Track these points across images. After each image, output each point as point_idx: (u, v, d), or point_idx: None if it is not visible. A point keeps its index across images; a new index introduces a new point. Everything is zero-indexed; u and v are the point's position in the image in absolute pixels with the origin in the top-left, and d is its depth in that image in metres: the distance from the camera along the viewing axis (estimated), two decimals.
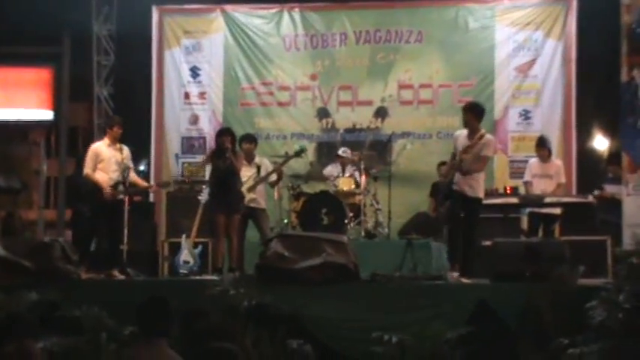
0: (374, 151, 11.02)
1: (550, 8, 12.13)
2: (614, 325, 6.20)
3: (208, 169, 9.94)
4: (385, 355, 6.56)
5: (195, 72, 12.80)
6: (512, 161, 12.00)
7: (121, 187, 9.04)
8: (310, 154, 11.88)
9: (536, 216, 9.68)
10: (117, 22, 13.08)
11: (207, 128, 12.68)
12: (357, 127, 12.42)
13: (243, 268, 8.89)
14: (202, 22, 12.87)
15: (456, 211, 8.38)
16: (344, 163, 10.95)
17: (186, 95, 12.78)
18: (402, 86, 12.38)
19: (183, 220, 10.09)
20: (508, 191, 10.17)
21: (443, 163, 10.66)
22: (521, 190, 10.15)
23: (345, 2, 12.67)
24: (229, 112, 12.68)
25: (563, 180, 9.91)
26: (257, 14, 12.75)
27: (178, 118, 12.78)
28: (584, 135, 12.11)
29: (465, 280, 7.77)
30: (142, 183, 9.65)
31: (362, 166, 10.53)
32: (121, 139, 9.27)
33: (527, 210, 9.87)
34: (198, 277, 8.73)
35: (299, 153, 10.23)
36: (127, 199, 9.21)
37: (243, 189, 9.17)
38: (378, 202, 10.54)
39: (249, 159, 9.61)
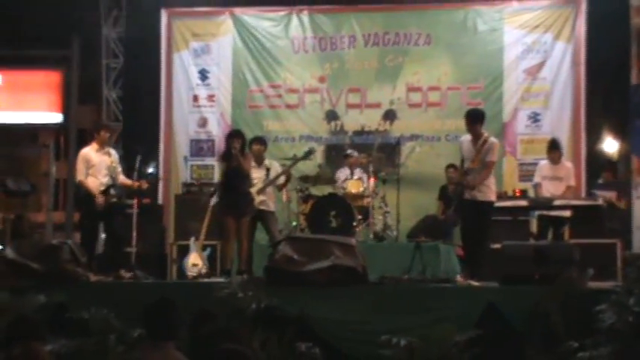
0: (382, 153, 11.01)
1: (559, 10, 12.09)
2: (624, 329, 6.17)
3: (217, 171, 9.95)
4: (393, 358, 6.55)
5: (203, 75, 12.80)
6: (521, 164, 11.95)
7: (112, 191, 9.11)
8: (319, 157, 11.90)
9: (545, 219, 9.64)
10: (126, 25, 13.09)
11: (216, 131, 12.68)
12: (366, 129, 12.39)
13: (252, 270, 8.88)
14: (211, 24, 12.87)
15: (469, 223, 8.39)
16: (352, 165, 10.93)
17: (195, 98, 12.78)
18: (410, 89, 12.35)
19: (192, 223, 10.09)
20: (517, 194, 10.14)
21: (451, 166, 10.67)
22: (531, 193, 10.12)
23: (353, 5, 12.64)
24: (238, 115, 12.67)
25: (573, 182, 9.86)
26: (266, 17, 12.74)
27: (187, 121, 12.78)
28: (593, 137, 12.04)
29: (473, 283, 7.74)
30: (130, 182, 9.56)
31: (370, 169, 10.53)
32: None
33: (537, 213, 9.83)
34: (206, 280, 8.73)
35: (307, 155, 10.22)
36: (135, 201, 9.23)
37: (252, 191, 9.15)
38: (386, 205, 10.52)
39: (259, 161, 9.59)
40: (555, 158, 9.75)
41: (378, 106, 12.41)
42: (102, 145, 9.28)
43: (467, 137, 8.56)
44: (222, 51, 12.78)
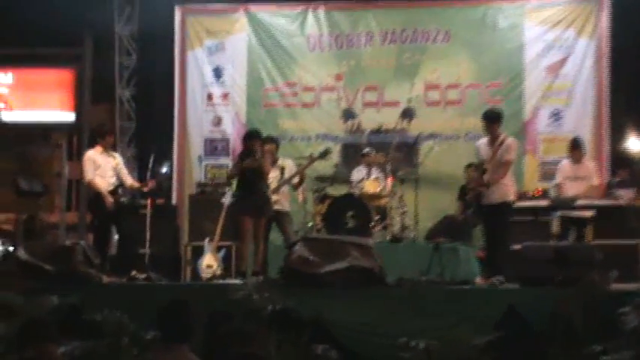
0: (400, 152, 11.00)
1: (582, 5, 12.04)
2: None
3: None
4: None
5: (218, 73, 12.84)
6: (542, 163, 11.92)
7: (120, 191, 9.19)
8: (335, 156, 11.91)
9: (567, 219, 9.61)
10: (139, 23, 13.16)
11: (231, 130, 12.72)
12: (383, 128, 12.40)
13: (267, 272, 8.91)
14: (225, 22, 12.90)
15: (489, 225, 8.41)
16: (370, 165, 10.95)
17: (209, 96, 12.83)
18: (428, 87, 12.35)
19: (207, 223, 10.12)
20: (538, 194, 10.11)
21: (471, 165, 10.64)
22: (552, 193, 10.09)
23: (370, 2, 12.66)
24: (253, 114, 12.71)
25: (595, 182, 9.81)
26: (281, 13, 12.78)
27: (201, 120, 12.83)
28: (616, 135, 11.99)
29: (493, 285, 7.73)
30: (137, 184, 9.70)
31: (388, 169, 10.53)
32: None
33: (558, 213, 9.80)
34: (221, 282, 8.76)
35: (323, 155, 10.24)
36: (149, 202, 9.29)
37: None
38: (404, 205, 10.52)
39: (272, 161, 9.61)
40: (577, 157, 9.71)
41: (395, 104, 12.41)
42: (106, 149, 9.42)
43: (483, 141, 8.64)
44: (237, 49, 12.82)
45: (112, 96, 13.24)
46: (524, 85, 12.10)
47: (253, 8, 12.81)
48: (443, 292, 7.45)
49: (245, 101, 12.78)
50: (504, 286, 7.62)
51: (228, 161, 12.51)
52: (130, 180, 9.57)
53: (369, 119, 12.47)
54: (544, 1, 12.19)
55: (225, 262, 9.71)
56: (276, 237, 9.77)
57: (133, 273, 8.52)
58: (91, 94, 12.38)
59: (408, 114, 12.37)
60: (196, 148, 12.78)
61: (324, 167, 11.21)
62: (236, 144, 12.41)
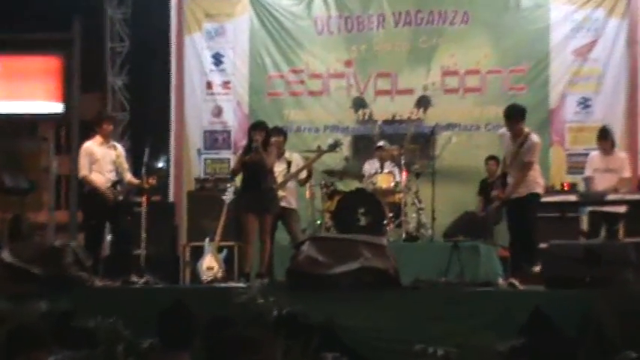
0: (416, 144, 11.01)
1: None
2: None
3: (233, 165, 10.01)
4: None
5: (218, 59, 12.87)
6: (569, 155, 11.90)
7: (119, 187, 9.20)
8: (345, 149, 11.90)
9: (597, 215, 9.61)
10: (132, 5, 13.19)
11: (232, 121, 12.77)
12: (397, 118, 12.41)
13: (273, 274, 8.93)
14: (226, 4, 12.93)
15: (513, 221, 8.45)
16: (382, 158, 10.98)
17: (209, 85, 12.87)
18: (446, 73, 12.34)
19: (207, 222, 10.16)
20: (566, 188, 10.11)
21: (492, 158, 10.68)
22: (580, 187, 10.08)
23: None
24: (256, 103, 12.74)
25: (627, 174, 9.79)
26: None
27: (200, 110, 12.87)
28: None
29: (517, 286, 7.74)
30: (137, 181, 9.61)
31: (402, 162, 10.54)
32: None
33: (588, 209, 9.80)
34: (223, 284, 8.78)
35: (333, 147, 10.25)
36: (144, 199, 9.30)
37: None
38: (420, 201, 10.55)
39: (279, 154, 9.63)
40: (607, 148, 9.70)
41: (410, 92, 12.41)
42: (106, 139, 9.38)
43: (505, 130, 8.74)
44: (239, 33, 12.85)
45: (104, 85, 13.28)
46: (549, 70, 12.07)
47: None
48: (463, 295, 7.45)
49: (247, 90, 12.82)
50: (530, 288, 7.63)
51: (229, 155, 12.57)
52: (129, 175, 9.54)
53: (382, 108, 12.48)
54: None
55: (228, 263, 9.76)
56: (282, 236, 9.80)
57: (133, 277, 8.53)
58: (81, 83, 12.38)
59: (423, 102, 12.37)
60: (195, 140, 12.82)
61: (334, 161, 11.24)
62: (238, 136, 12.47)
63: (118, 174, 9.32)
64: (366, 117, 12.54)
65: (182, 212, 11.50)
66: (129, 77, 13.29)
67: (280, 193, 9.44)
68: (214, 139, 12.80)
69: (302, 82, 12.71)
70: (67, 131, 13.32)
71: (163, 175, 10.59)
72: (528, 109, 8.93)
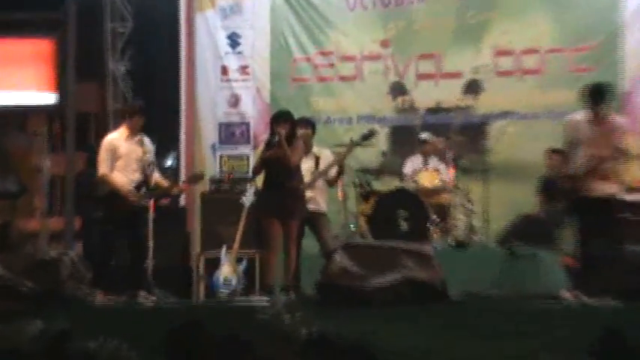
0: (464, 136, 10.99)
1: None
2: None
3: (253, 162, 10.04)
4: None
5: (234, 40, 12.91)
6: None
7: (144, 191, 9.16)
8: (382, 142, 11.95)
9: None
10: None
11: (251, 111, 12.83)
12: (442, 106, 12.39)
13: (300, 287, 8.96)
14: None
15: (584, 223, 8.40)
16: (426, 152, 10.99)
17: (224, 70, 12.93)
18: (499, 53, 12.30)
19: (223, 228, 10.20)
20: None
21: (554, 151, 10.62)
22: None
23: None
24: (279, 91, 12.79)
25: None
26: None
27: (214, 100, 12.94)
28: None
29: (586, 300, 7.72)
30: (166, 184, 9.69)
31: (449, 157, 10.53)
32: (143, 129, 9.37)
33: None
34: (243, 300, 8.81)
35: (367, 138, 10.15)
36: (151, 203, 9.34)
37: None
38: (470, 202, 10.56)
39: (306, 149, 9.63)
40: None
41: (457, 75, 12.39)
42: (133, 133, 9.33)
43: (580, 115, 8.57)
44: (258, 10, 12.91)
45: (103, 72, 13.33)
46: (621, 48, 12.00)
47: None
48: (521, 310, 7.44)
49: (268, 75, 12.86)
50: (601, 302, 7.60)
51: (248, 150, 12.63)
52: (156, 176, 9.47)
53: (425, 95, 12.47)
54: None
55: (248, 275, 9.78)
56: (310, 244, 9.81)
57: (140, 293, 8.57)
58: (77, 70, 12.43)
59: (473, 88, 12.34)
60: (209, 134, 12.90)
61: (369, 156, 11.24)
62: (258, 129, 12.51)
63: (144, 175, 9.27)
64: (406, 105, 12.53)
65: (195, 218, 11.53)
66: (132, 63, 13.33)
67: (308, 194, 9.45)
68: (231, 133, 12.85)
69: (331, 65, 12.74)
70: (61, 126, 13.32)
71: (198, 179, 10.50)
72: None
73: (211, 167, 12.71)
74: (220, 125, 12.91)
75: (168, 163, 12.91)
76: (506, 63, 12.30)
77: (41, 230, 13.22)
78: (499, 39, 12.30)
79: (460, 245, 10.18)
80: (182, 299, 9.51)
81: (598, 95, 8.50)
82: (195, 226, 11.47)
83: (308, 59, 12.80)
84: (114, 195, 9.15)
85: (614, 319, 7.01)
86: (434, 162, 10.89)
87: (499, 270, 8.79)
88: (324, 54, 12.76)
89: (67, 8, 12.26)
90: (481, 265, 9.29)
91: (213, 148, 12.87)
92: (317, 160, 9.82)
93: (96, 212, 10.43)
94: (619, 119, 8.52)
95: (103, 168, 9.23)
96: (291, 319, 7.06)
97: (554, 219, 9.46)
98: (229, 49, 12.93)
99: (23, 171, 14.46)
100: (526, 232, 10.15)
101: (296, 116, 9.50)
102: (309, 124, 9.99)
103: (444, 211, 10.36)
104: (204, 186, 11.92)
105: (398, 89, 12.55)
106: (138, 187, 9.19)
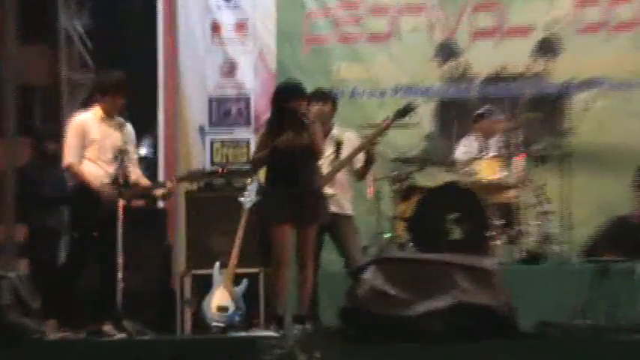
0: (537, 112, 10.95)
1: None
2: None
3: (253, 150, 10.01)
4: None
5: None
6: None
7: (123, 188, 9.14)
8: (426, 121, 11.99)
9: None
10: None
11: (252, 82, 12.85)
12: (507, 73, 12.38)
13: (318, 316, 8.95)
14: None
15: None
16: (486, 134, 11.03)
17: (216, 27, 12.97)
18: (581, 1, 12.28)
19: (216, 238, 10.21)
20: None
21: None
22: None
23: None
24: (288, 55, 12.82)
25: None
26: None
27: (203, 67, 12.97)
28: None
29: None
30: (147, 182, 9.70)
31: (517, 140, 10.48)
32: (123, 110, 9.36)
33: None
34: (243, 333, 8.80)
35: (404, 113, 10.05)
36: (120, 205, 9.31)
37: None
38: (546, 201, 10.53)
39: (324, 131, 9.57)
40: None
41: (525, 32, 12.42)
42: (111, 113, 9.36)
43: None
44: None
45: (54, 32, 13.32)
46: None
47: None
48: (615, 345, 7.39)
49: (274, 35, 12.87)
50: None
51: (248, 134, 12.63)
52: (137, 172, 9.50)
53: (483, 58, 12.51)
54: None
55: (249, 300, 9.76)
56: (330, 257, 9.84)
57: (106, 325, 8.57)
58: (20, 30, 12.45)
59: (547, 48, 12.33)
60: (196, 113, 12.94)
61: (409, 139, 11.27)
62: (261, 105, 12.46)
63: (121, 167, 9.24)
64: (459, 72, 12.53)
65: (178, 224, 11.54)
66: (93, 20, 13.33)
67: (327, 190, 9.40)
68: (225, 111, 12.88)
69: (358, 20, 12.75)
70: None
71: (198, 176, 10.46)
72: None
73: (199, 157, 12.77)
74: (211, 101, 12.94)
75: (143, 151, 12.85)
76: (590, 15, 12.31)
77: None
78: None
79: (533, 259, 10.18)
80: (162, 333, 9.48)
81: None
82: (178, 234, 11.47)
83: (327, 13, 12.82)
84: (84, 191, 9.15)
85: None
86: (496, 147, 10.88)
87: (585, 291, 8.71)
88: (347, 5, 12.77)
89: None
90: (561, 286, 9.25)
91: (202, 131, 12.90)
92: (338, 145, 9.76)
93: (47, 218, 10.44)
94: None
95: (70, 156, 9.27)
96: (307, 358, 7.05)
97: None
98: (222, 1, 12.92)
99: None
100: (620, 240, 10.14)
101: (311, 88, 9.48)
102: (328, 98, 9.92)
103: (510, 213, 10.36)
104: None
105: (447, 51, 12.55)
106: (115, 182, 9.17)
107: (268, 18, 12.90)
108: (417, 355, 7.24)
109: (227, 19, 12.95)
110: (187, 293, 10.50)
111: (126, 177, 9.20)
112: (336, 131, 9.83)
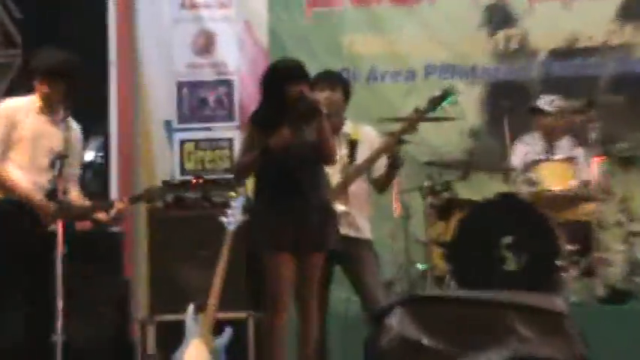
0: (620, 99, 10.94)
1: None
2: None
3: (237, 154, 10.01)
4: None
5: None
6: None
7: (62, 200, 9.05)
8: (471, 112, 12.07)
9: None
10: None
11: (236, 61, 12.89)
12: (578, 45, 12.41)
13: None
14: None
15: None
16: (551, 130, 11.08)
17: None
18: None
19: (189, 272, 10.21)
20: None
21: None
22: None
23: None
24: (284, 27, 12.89)
25: None
26: None
27: (169, 42, 13.03)
28: None
29: None
30: (86, 203, 9.60)
31: (594, 136, 10.46)
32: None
33: None
34: None
35: (439, 101, 10.06)
36: (59, 227, 9.26)
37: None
38: (634, 218, 10.51)
39: (333, 126, 9.54)
40: None
41: None
42: (50, 105, 9.30)
43: None
44: None
45: None
46: None
47: None
48: None
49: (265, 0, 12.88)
50: None
51: (231, 132, 12.64)
52: (76, 188, 9.45)
53: (546, 27, 12.54)
54: None
55: (234, 356, 9.73)
56: (341, 295, 9.91)
57: None
58: None
59: (635, 11, 12.30)
60: (160, 103, 12.99)
61: (447, 137, 11.28)
62: (248, 93, 12.44)
63: (60, 176, 9.14)
64: (514, 45, 12.56)
65: (138, 253, 11.52)
66: None
67: (339, 207, 9.37)
68: (200, 101, 12.91)
69: None
70: None
71: (156, 195, 10.46)
72: None
73: (165, 162, 12.83)
74: (180, 87, 12.98)
75: (89, 157, 12.82)
76: None
77: None
78: None
79: (617, 297, 10.11)
80: None
81: None
82: (138, 267, 11.45)
83: None
84: (7, 203, 9.09)
85: None
86: (566, 147, 10.92)
87: None
88: None
89: None
90: None
91: (169, 127, 12.96)
92: (353, 146, 9.73)
93: None
94: None
95: None
96: None
97: None
98: None
99: None
100: None
101: (315, 69, 9.44)
102: (338, 82, 9.90)
103: (585, 236, 10.31)
104: None
105: (498, 17, 12.60)
106: (51, 196, 9.08)
107: None
108: None
109: None
110: (151, 347, 10.48)
111: (65, 192, 9.10)
112: (349, 127, 9.80)
